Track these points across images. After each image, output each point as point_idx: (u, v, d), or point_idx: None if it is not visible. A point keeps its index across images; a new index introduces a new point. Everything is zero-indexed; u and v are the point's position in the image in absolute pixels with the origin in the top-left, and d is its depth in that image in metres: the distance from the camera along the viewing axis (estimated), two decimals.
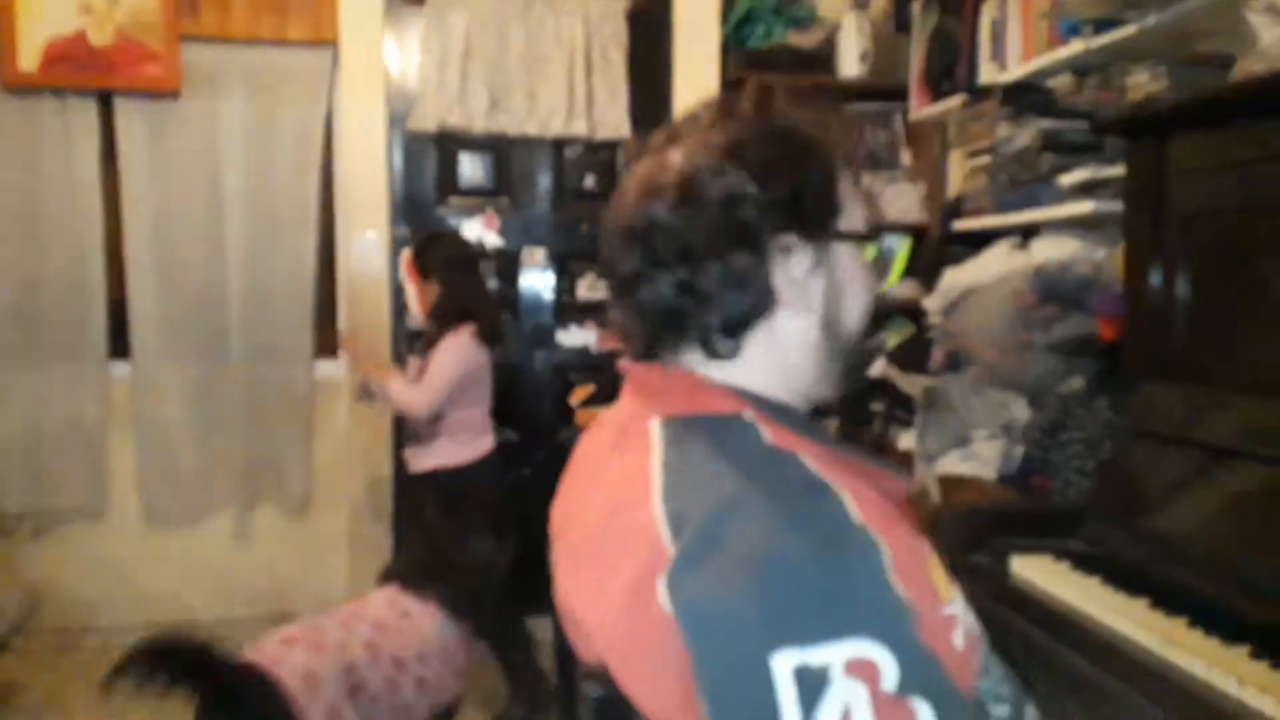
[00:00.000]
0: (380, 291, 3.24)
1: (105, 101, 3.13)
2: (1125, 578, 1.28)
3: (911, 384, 2.38)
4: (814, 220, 0.77)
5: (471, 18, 3.21)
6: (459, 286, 2.58)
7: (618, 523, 0.71)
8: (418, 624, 1.87)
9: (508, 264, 3.34)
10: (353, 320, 3.27)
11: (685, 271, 0.75)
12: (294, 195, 3.22)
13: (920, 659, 0.59)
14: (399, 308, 3.25)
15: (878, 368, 2.78)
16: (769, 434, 0.72)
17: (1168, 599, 1.20)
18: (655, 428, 0.75)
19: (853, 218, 0.80)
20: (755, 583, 0.59)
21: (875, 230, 0.85)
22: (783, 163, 0.77)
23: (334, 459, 3.29)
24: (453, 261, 2.61)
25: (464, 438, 2.58)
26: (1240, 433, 1.28)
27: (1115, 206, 1.90)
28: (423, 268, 2.61)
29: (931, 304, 2.34)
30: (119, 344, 3.21)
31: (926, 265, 2.92)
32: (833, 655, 0.57)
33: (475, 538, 2.05)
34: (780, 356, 0.79)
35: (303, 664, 1.63)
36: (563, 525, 0.83)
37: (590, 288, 3.40)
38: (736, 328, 0.77)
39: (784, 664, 0.56)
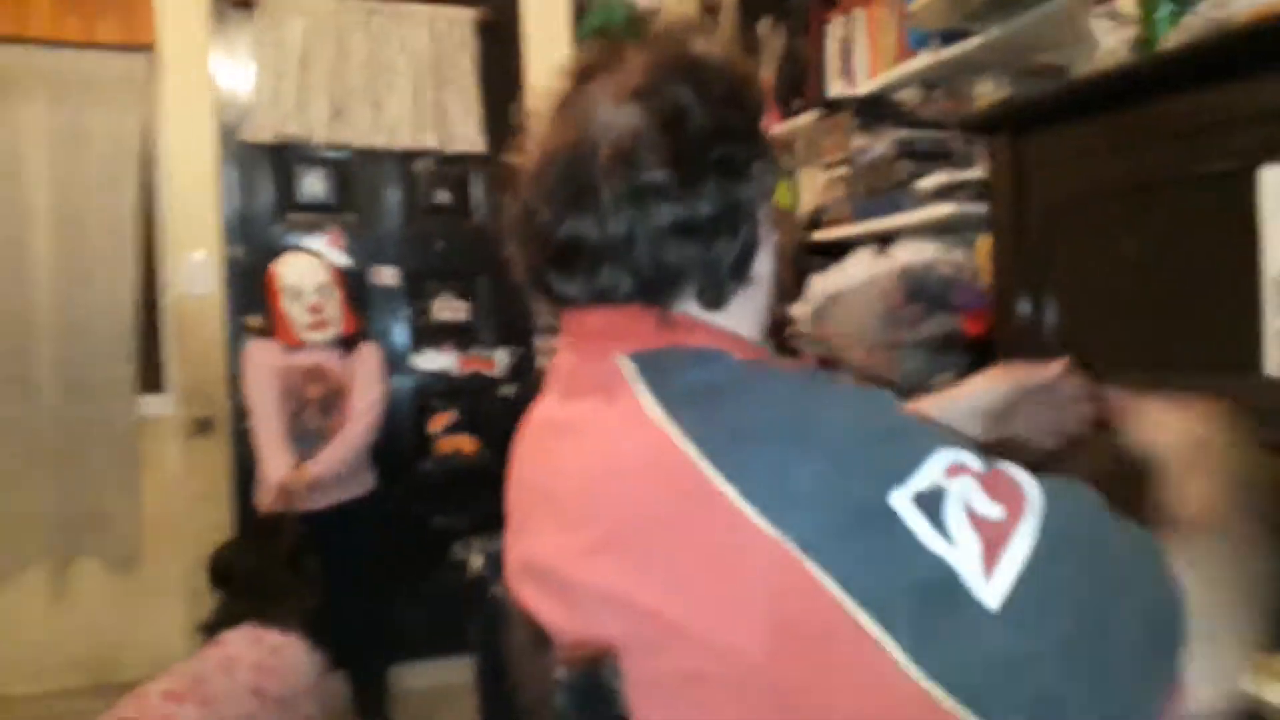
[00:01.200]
0: (212, 316, 2.98)
1: None
2: None
3: None
4: (768, 147, 0.75)
5: (308, 25, 3.03)
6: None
7: (617, 461, 0.66)
8: (290, 659, 1.76)
9: (355, 284, 3.14)
10: (182, 348, 2.98)
11: (687, 218, 0.70)
12: (108, 212, 2.92)
13: (976, 445, 0.63)
14: (235, 332, 2.99)
15: None
16: (742, 355, 0.70)
17: None
18: (624, 361, 0.69)
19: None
20: (819, 448, 0.59)
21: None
22: (739, 92, 0.74)
23: (165, 504, 2.97)
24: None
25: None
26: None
27: (971, 208, 1.98)
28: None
29: (799, 312, 2.36)
30: None
31: (794, 280, 2.97)
32: (931, 472, 0.59)
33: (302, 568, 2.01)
34: (753, 295, 0.75)
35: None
36: (530, 486, 0.77)
37: (447, 308, 3.25)
38: (743, 267, 0.73)
39: (901, 500, 0.57)
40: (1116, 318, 1.44)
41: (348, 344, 2.52)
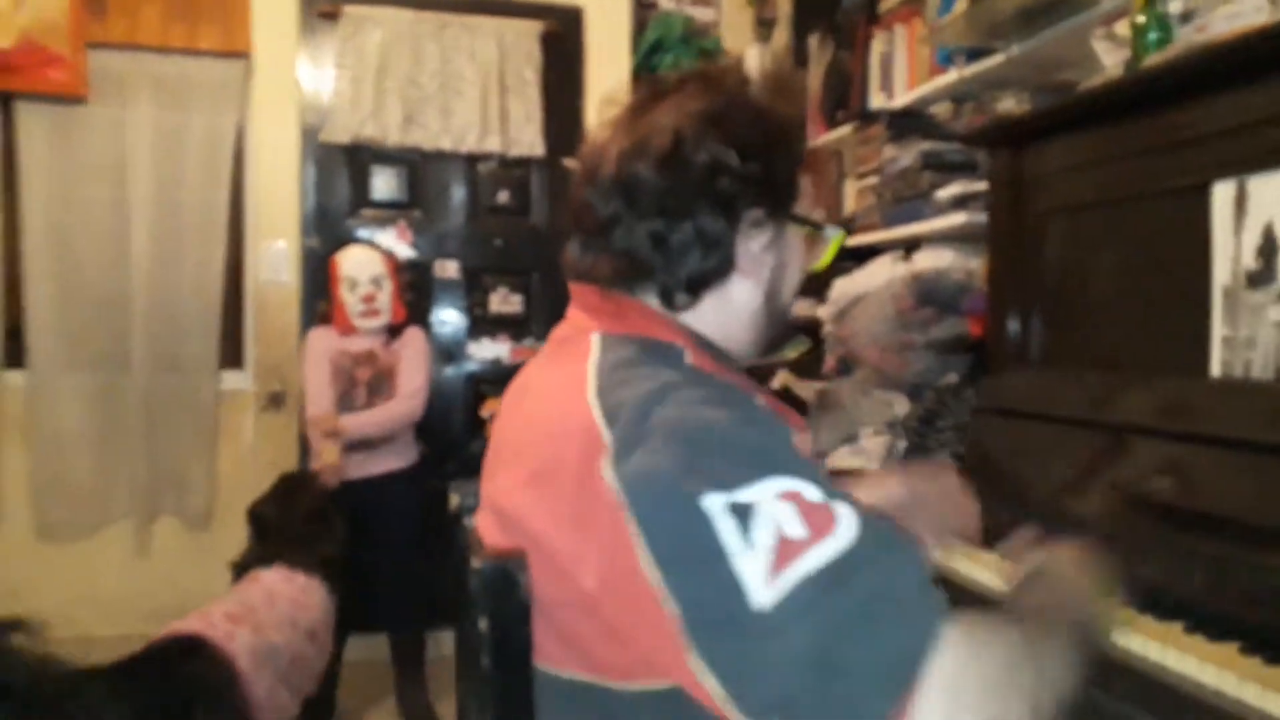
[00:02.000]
0: (289, 301, 3.24)
1: (5, 105, 3.07)
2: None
3: (807, 389, 2.51)
4: (779, 199, 0.86)
5: (387, 34, 3.27)
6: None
7: (557, 421, 0.78)
8: (316, 597, 2.00)
9: (420, 276, 3.37)
10: (260, 329, 3.25)
11: (661, 225, 0.82)
12: (202, 204, 3.20)
13: (834, 489, 0.70)
14: (308, 317, 3.24)
15: (779, 379, 2.91)
16: (694, 359, 0.81)
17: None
18: (595, 340, 0.82)
19: (805, 203, 0.89)
20: (684, 446, 0.70)
21: (821, 219, 0.93)
22: (761, 141, 0.84)
23: (238, 470, 3.24)
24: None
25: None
26: (1089, 404, 1.40)
27: (984, 217, 2.07)
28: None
29: (824, 313, 2.48)
30: (14, 353, 3.12)
31: (823, 283, 3.08)
32: (760, 493, 0.67)
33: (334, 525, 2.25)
34: (724, 317, 0.86)
35: (249, 644, 1.71)
36: (502, 436, 0.89)
37: (503, 301, 3.46)
38: (697, 285, 0.84)
39: (715, 503, 0.66)
40: (1093, 323, 1.53)
41: (395, 331, 2.71)
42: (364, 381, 2.64)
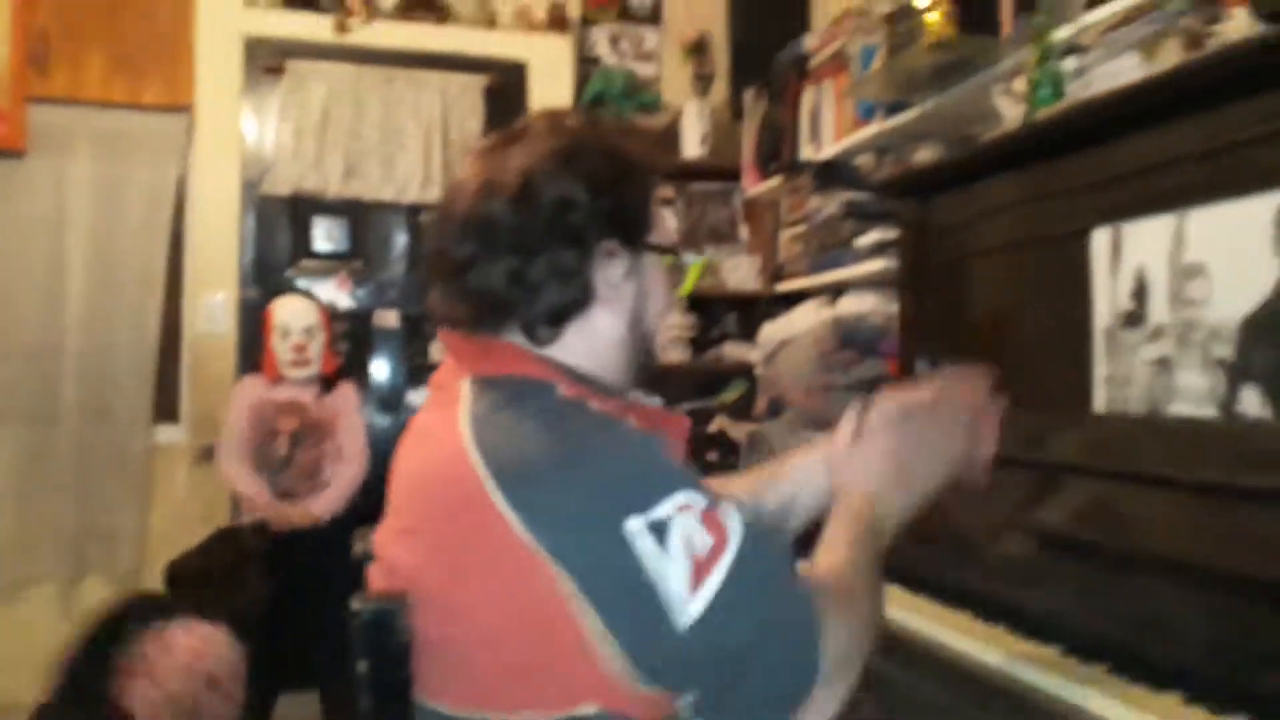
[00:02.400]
0: (226, 352, 3.21)
1: None
2: (913, 584, 1.39)
3: (740, 431, 2.54)
4: (632, 230, 0.89)
5: (330, 88, 3.31)
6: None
7: (435, 470, 0.81)
8: (215, 646, 1.94)
9: (359, 326, 3.37)
10: (196, 381, 3.22)
11: (516, 262, 0.84)
12: (140, 256, 3.18)
13: (711, 492, 0.79)
14: (245, 368, 3.22)
15: (715, 423, 2.93)
16: (565, 390, 0.83)
17: (959, 601, 1.30)
18: (465, 385, 0.85)
19: (660, 232, 0.93)
20: (580, 478, 0.76)
21: (676, 246, 1.00)
22: (610, 176, 0.87)
23: (169, 526, 3.16)
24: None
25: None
26: (1014, 442, 1.42)
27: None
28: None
29: (753, 356, 2.52)
30: None
31: (758, 328, 3.13)
32: (666, 509, 0.75)
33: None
34: (590, 346, 0.89)
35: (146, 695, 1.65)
36: (392, 486, 0.91)
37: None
38: (558, 317, 0.86)
39: (635, 525, 0.74)
40: (995, 362, 1.55)
41: (327, 383, 2.71)
42: (287, 432, 2.63)
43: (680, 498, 0.76)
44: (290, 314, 2.64)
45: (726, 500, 0.80)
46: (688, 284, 1.02)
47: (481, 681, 0.78)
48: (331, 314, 3.28)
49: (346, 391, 2.75)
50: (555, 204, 0.85)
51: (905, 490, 0.93)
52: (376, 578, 0.87)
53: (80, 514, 3.10)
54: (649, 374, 0.95)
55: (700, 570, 0.74)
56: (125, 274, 3.17)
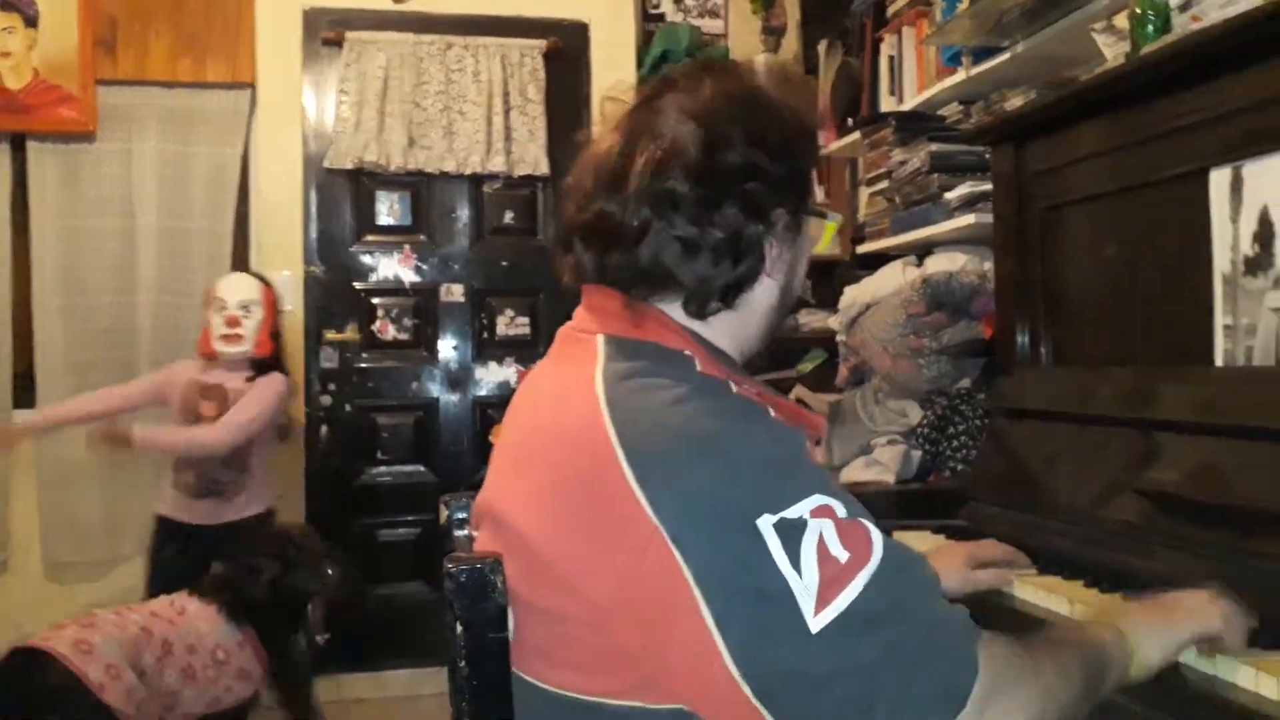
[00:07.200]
0: (294, 329, 3.20)
1: (18, 144, 3.09)
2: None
3: (821, 402, 2.42)
4: (801, 196, 0.84)
5: (389, 58, 3.25)
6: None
7: (567, 430, 0.75)
8: (192, 620, 2.01)
9: (425, 300, 3.33)
10: None
11: (695, 233, 0.79)
12: (208, 235, 3.19)
13: (852, 500, 0.72)
14: (314, 344, 3.22)
15: (793, 394, 2.81)
16: (703, 366, 0.79)
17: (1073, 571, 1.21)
18: (600, 341, 0.79)
19: (815, 194, 0.86)
20: (717, 463, 0.69)
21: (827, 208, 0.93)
22: (783, 139, 0.82)
23: None
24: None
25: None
26: (1114, 401, 1.31)
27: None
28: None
29: (834, 323, 2.39)
30: (24, 392, 3.11)
31: (838, 293, 2.99)
32: (801, 509, 0.68)
33: (299, 567, 2.21)
34: (741, 319, 0.84)
35: (72, 636, 1.77)
36: (506, 440, 0.86)
37: (509, 324, 3.40)
38: (732, 292, 0.81)
39: (767, 524, 0.67)
40: (1101, 317, 1.45)
41: (261, 367, 2.57)
42: (209, 416, 2.49)
43: (819, 501, 0.69)
44: (227, 287, 2.56)
45: (869, 516, 0.72)
46: (825, 240, 0.94)
47: (582, 661, 0.73)
48: (395, 289, 3.27)
49: (270, 377, 2.56)
50: (738, 172, 0.79)
51: (1165, 627, 0.84)
52: (484, 537, 0.82)
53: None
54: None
55: (833, 583, 0.66)
56: (194, 253, 3.19)
